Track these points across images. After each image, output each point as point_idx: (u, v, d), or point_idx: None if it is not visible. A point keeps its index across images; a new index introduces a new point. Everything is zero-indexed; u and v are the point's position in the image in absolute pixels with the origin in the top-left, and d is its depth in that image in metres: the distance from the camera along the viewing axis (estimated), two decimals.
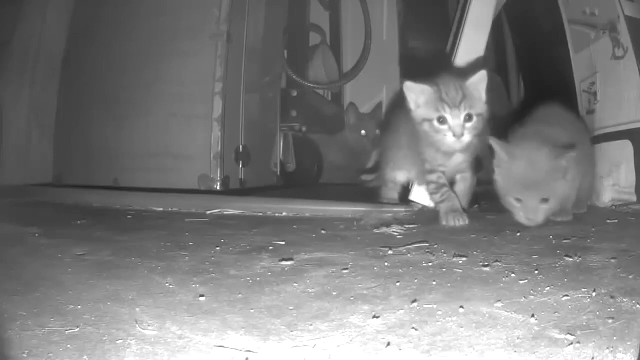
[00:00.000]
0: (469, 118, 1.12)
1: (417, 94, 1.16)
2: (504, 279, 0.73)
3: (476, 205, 1.33)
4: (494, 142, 1.09)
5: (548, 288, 0.67)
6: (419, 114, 1.16)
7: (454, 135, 1.12)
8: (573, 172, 1.10)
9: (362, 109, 2.38)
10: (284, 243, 0.98)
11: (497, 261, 0.81)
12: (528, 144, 1.09)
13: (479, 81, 1.14)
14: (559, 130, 1.16)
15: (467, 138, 1.12)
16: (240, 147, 1.71)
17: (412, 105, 1.17)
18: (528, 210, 1.06)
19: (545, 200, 1.05)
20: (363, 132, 2.28)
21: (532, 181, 1.05)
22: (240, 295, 0.69)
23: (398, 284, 0.72)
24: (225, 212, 1.39)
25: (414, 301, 0.65)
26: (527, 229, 1.05)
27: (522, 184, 1.06)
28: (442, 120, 1.13)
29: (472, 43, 1.39)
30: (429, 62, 1.99)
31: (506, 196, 1.09)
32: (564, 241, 0.94)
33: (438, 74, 1.19)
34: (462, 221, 1.15)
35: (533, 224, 1.06)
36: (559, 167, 1.06)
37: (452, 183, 1.26)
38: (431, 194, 1.25)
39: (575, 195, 1.19)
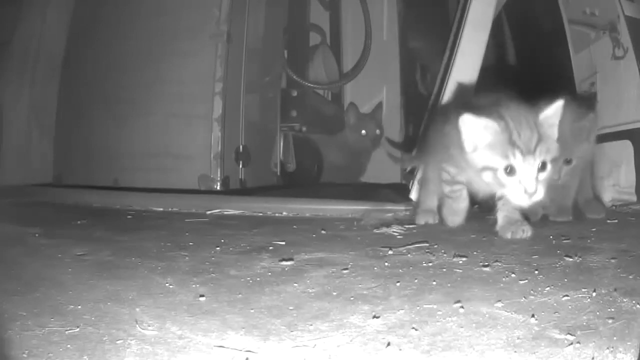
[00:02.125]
0: (542, 167, 0.90)
1: (479, 133, 0.91)
2: (504, 279, 0.73)
3: (476, 205, 1.33)
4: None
5: (548, 288, 0.67)
6: (479, 159, 0.93)
7: (526, 191, 0.89)
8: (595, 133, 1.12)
9: (362, 109, 2.39)
10: (284, 243, 0.98)
11: (497, 261, 0.81)
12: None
13: (555, 114, 0.92)
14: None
15: (540, 194, 0.90)
16: (240, 147, 1.71)
17: (468, 145, 0.93)
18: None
19: (568, 161, 1.08)
20: (363, 131, 2.29)
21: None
22: (240, 295, 0.69)
23: (398, 284, 0.72)
24: (225, 212, 1.39)
25: (415, 302, 0.65)
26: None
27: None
28: (510, 171, 0.90)
29: (472, 43, 1.39)
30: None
31: None
32: (564, 241, 0.94)
33: (499, 99, 0.95)
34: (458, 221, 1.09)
35: (556, 183, 1.05)
36: (582, 128, 1.08)
37: None
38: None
39: (573, 195, 1.19)
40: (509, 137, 0.89)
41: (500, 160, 0.90)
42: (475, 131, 0.91)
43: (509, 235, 0.97)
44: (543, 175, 0.90)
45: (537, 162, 0.89)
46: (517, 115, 0.90)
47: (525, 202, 0.91)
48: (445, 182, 1.08)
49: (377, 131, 2.30)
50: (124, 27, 1.77)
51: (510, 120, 0.90)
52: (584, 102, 1.15)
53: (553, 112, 0.91)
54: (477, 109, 0.92)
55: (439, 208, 1.16)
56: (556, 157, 0.91)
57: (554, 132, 0.92)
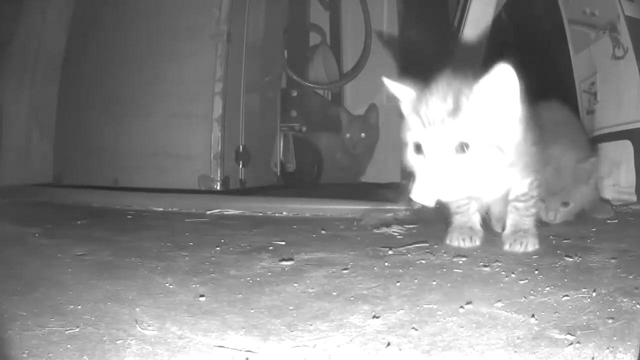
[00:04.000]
0: (462, 148, 0.73)
1: (401, 100, 0.81)
2: (504, 279, 0.73)
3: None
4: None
5: (548, 288, 0.67)
6: (402, 131, 0.80)
7: (430, 176, 0.73)
8: (595, 177, 1.09)
9: (362, 109, 2.38)
10: (284, 243, 0.98)
11: (497, 261, 0.81)
12: (553, 148, 1.04)
13: (495, 83, 0.73)
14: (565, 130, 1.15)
15: (453, 185, 0.74)
16: (240, 147, 1.71)
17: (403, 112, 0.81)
18: (549, 211, 1.06)
19: (565, 204, 1.05)
20: (348, 135, 2.27)
21: (558, 186, 1.04)
22: (240, 295, 0.69)
23: (398, 284, 0.72)
24: (225, 212, 1.39)
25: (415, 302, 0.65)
26: None
27: (547, 189, 1.02)
28: (417, 148, 0.76)
29: (471, 43, 1.39)
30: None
31: None
32: (564, 241, 0.94)
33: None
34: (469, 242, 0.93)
35: (552, 223, 1.06)
36: (582, 172, 1.06)
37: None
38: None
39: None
40: (417, 105, 0.75)
41: (409, 135, 0.76)
42: (399, 98, 0.80)
43: (507, 246, 0.88)
44: (463, 161, 0.72)
45: (449, 140, 0.72)
46: (438, 83, 0.75)
47: (428, 194, 0.74)
48: None
49: (362, 134, 2.28)
50: (124, 27, 1.77)
51: (426, 89, 0.75)
52: (586, 145, 1.14)
53: (491, 81, 0.73)
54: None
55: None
56: (498, 144, 0.73)
57: (496, 108, 0.74)
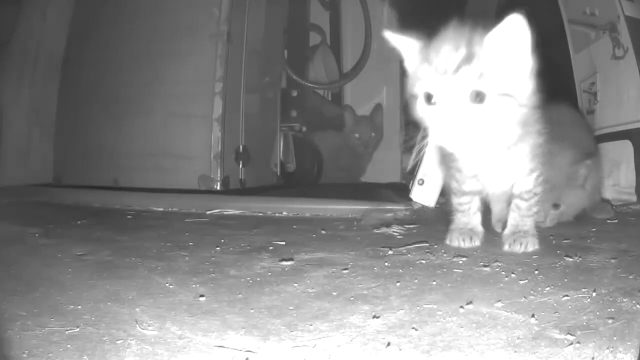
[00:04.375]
0: (478, 98, 0.71)
1: (404, 54, 0.79)
2: (504, 279, 0.73)
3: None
4: None
5: (548, 288, 0.67)
6: (409, 87, 0.78)
7: (444, 124, 0.72)
8: (592, 181, 1.03)
9: (362, 109, 2.38)
10: (284, 243, 0.98)
11: (497, 261, 0.81)
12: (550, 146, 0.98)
13: (506, 33, 0.72)
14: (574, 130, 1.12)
15: (470, 134, 0.72)
16: (240, 147, 1.71)
17: (407, 67, 0.79)
18: (540, 213, 0.98)
19: (556, 206, 1.01)
20: (357, 135, 2.28)
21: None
22: (240, 295, 0.69)
23: (398, 284, 0.72)
24: (225, 212, 1.39)
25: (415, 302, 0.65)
26: None
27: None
28: (428, 98, 0.74)
29: None
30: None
31: None
32: (564, 241, 0.94)
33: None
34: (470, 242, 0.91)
35: (542, 226, 1.01)
36: (576, 174, 1.02)
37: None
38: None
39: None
40: (427, 54, 0.73)
41: (419, 85, 0.74)
42: (402, 53, 0.78)
43: (506, 247, 0.88)
44: (480, 111, 0.71)
45: (463, 88, 0.70)
46: (447, 32, 0.74)
47: (447, 140, 0.74)
48: (453, 192, 0.95)
49: (372, 134, 2.29)
50: (124, 27, 1.78)
51: (434, 39, 0.74)
52: (589, 147, 1.09)
53: (503, 30, 0.72)
54: None
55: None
56: (511, 93, 0.72)
57: (508, 59, 0.72)
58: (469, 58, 0.70)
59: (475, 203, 0.94)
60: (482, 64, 0.71)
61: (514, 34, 0.72)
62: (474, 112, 0.71)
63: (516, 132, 0.79)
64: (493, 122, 0.73)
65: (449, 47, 0.72)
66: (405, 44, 0.77)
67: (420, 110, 0.75)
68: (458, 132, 0.73)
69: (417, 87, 0.74)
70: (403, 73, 0.83)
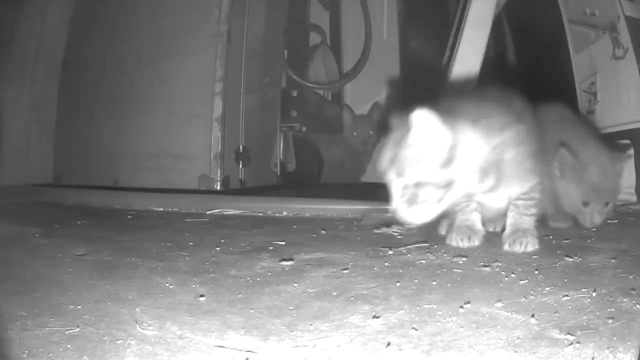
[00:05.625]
0: (414, 186, 0.81)
1: None
2: (504, 279, 0.73)
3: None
4: (564, 153, 1.03)
5: (548, 288, 0.67)
6: None
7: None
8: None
9: (362, 109, 2.38)
10: (284, 243, 0.98)
11: (497, 261, 0.81)
12: (591, 149, 1.05)
13: (417, 128, 0.79)
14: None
15: (409, 214, 0.81)
16: (240, 147, 1.71)
17: None
18: (594, 214, 1.03)
19: (607, 204, 1.05)
20: (355, 133, 2.28)
21: (605, 187, 1.04)
22: (240, 295, 0.69)
23: (398, 284, 0.72)
24: (225, 212, 1.39)
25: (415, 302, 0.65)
26: None
27: (594, 190, 1.03)
28: None
29: (472, 43, 1.39)
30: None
31: (574, 201, 1.05)
32: (564, 241, 0.94)
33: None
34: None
35: (595, 226, 1.04)
36: (619, 171, 1.07)
37: None
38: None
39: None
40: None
41: None
42: None
43: (506, 246, 0.90)
44: (404, 197, 0.80)
45: (397, 181, 0.81)
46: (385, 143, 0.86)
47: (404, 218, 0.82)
48: None
49: (371, 132, 2.29)
50: (124, 27, 1.77)
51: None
52: (615, 146, 1.14)
53: (415, 129, 0.79)
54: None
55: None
56: (433, 182, 0.80)
57: (425, 152, 0.80)
58: (392, 160, 0.81)
59: (473, 203, 0.96)
60: (401, 163, 0.81)
61: (423, 129, 0.79)
62: (403, 197, 0.80)
63: (488, 180, 0.85)
64: (419, 202, 0.81)
65: (386, 152, 0.83)
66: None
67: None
68: (403, 212, 0.81)
69: None
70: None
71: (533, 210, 0.93)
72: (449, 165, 0.81)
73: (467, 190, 0.86)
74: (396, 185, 0.82)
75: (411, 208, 0.81)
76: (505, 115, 0.88)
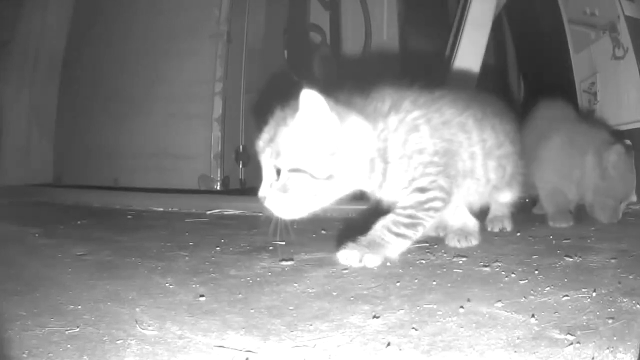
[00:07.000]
0: (277, 173, 0.77)
1: None
2: (504, 279, 0.73)
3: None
4: (620, 149, 1.07)
5: (548, 288, 0.67)
6: None
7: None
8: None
9: None
10: (284, 243, 0.98)
11: (497, 261, 0.81)
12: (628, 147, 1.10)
13: (305, 110, 0.75)
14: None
15: (271, 202, 0.76)
16: (240, 147, 1.71)
17: None
18: (620, 210, 1.11)
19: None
20: None
21: (636, 185, 1.10)
22: (240, 295, 0.69)
23: (398, 284, 0.72)
24: (225, 212, 1.39)
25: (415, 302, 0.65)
26: (527, 229, 1.06)
27: (632, 188, 1.10)
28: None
29: (472, 43, 1.39)
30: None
31: (613, 199, 1.10)
32: (564, 241, 0.94)
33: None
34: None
35: (616, 221, 1.10)
36: (635, 168, 1.12)
37: None
38: None
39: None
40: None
41: None
42: None
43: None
44: (276, 183, 0.76)
45: (267, 166, 0.78)
46: (272, 116, 0.81)
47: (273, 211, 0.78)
48: None
49: None
50: (124, 27, 1.78)
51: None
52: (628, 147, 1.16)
53: (301, 108, 0.75)
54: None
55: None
56: (303, 169, 0.75)
57: (308, 136, 0.75)
58: (271, 139, 0.77)
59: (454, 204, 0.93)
60: (279, 143, 0.76)
61: (309, 111, 0.75)
62: (274, 184, 0.77)
63: (375, 174, 0.81)
64: (292, 192, 0.76)
65: (265, 130, 0.80)
66: None
67: None
68: (272, 200, 0.77)
69: None
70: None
71: (404, 230, 0.83)
72: (332, 155, 0.75)
73: (354, 187, 0.80)
74: (268, 168, 0.76)
75: (280, 197, 0.75)
76: (404, 102, 0.82)
